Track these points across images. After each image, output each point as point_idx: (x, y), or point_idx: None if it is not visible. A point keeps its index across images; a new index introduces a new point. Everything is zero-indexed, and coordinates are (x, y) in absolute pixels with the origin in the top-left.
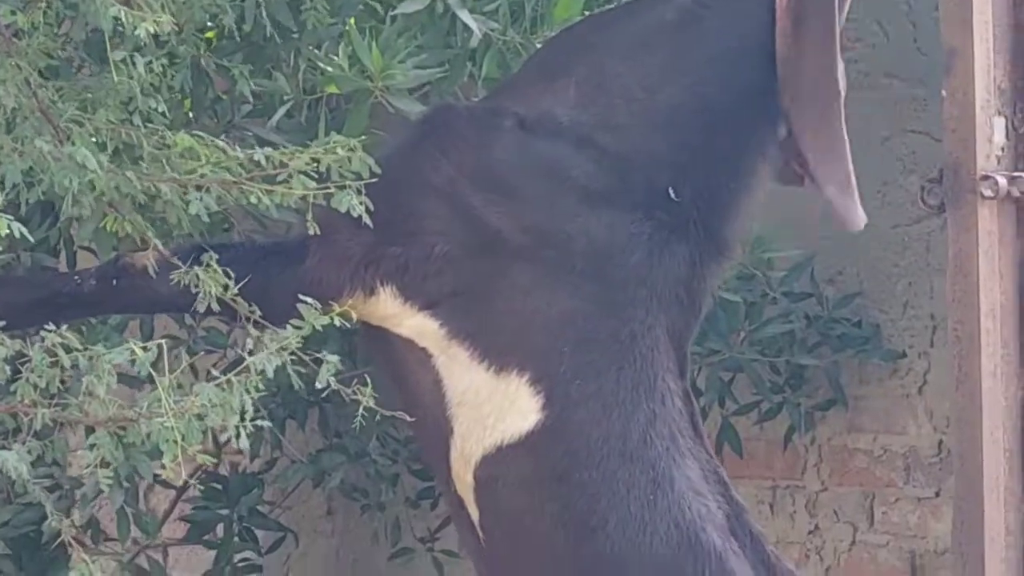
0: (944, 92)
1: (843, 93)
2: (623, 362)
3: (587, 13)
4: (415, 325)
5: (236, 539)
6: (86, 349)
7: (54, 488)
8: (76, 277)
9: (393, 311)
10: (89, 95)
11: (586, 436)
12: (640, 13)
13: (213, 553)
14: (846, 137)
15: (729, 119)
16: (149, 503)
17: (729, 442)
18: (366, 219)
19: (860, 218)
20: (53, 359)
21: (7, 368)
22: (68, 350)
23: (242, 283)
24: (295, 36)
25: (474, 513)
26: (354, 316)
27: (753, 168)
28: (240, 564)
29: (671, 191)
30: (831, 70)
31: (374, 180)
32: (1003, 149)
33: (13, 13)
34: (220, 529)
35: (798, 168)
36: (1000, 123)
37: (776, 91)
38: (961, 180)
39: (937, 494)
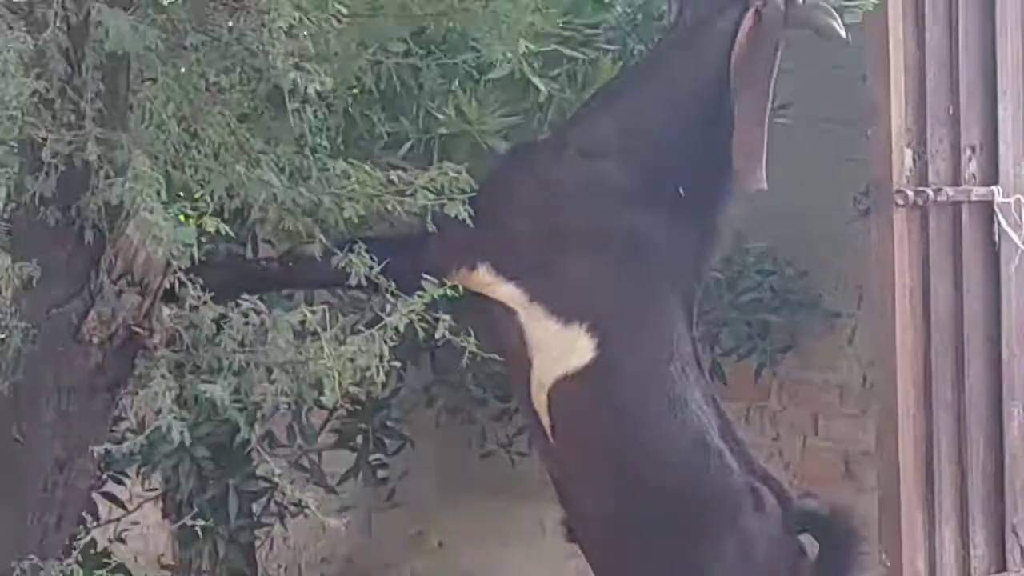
0: (870, 132)
1: (772, 101)
2: (651, 316)
3: None
4: (505, 291)
5: (371, 444)
6: (270, 312)
7: (243, 409)
8: (263, 262)
9: (488, 281)
10: (272, 133)
11: (625, 368)
12: (656, 78)
13: (354, 455)
14: (765, 130)
15: (716, 147)
16: (309, 420)
17: (717, 375)
18: (469, 221)
19: (758, 183)
20: (246, 319)
21: (214, 325)
22: (257, 312)
23: (382, 266)
24: (416, 93)
25: (546, 422)
26: (460, 287)
27: (726, 164)
28: (373, 463)
29: (680, 189)
30: (767, 85)
31: (477, 193)
32: (910, 171)
33: (217, 75)
34: (359, 438)
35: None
36: (908, 153)
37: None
38: (882, 193)
39: (863, 412)
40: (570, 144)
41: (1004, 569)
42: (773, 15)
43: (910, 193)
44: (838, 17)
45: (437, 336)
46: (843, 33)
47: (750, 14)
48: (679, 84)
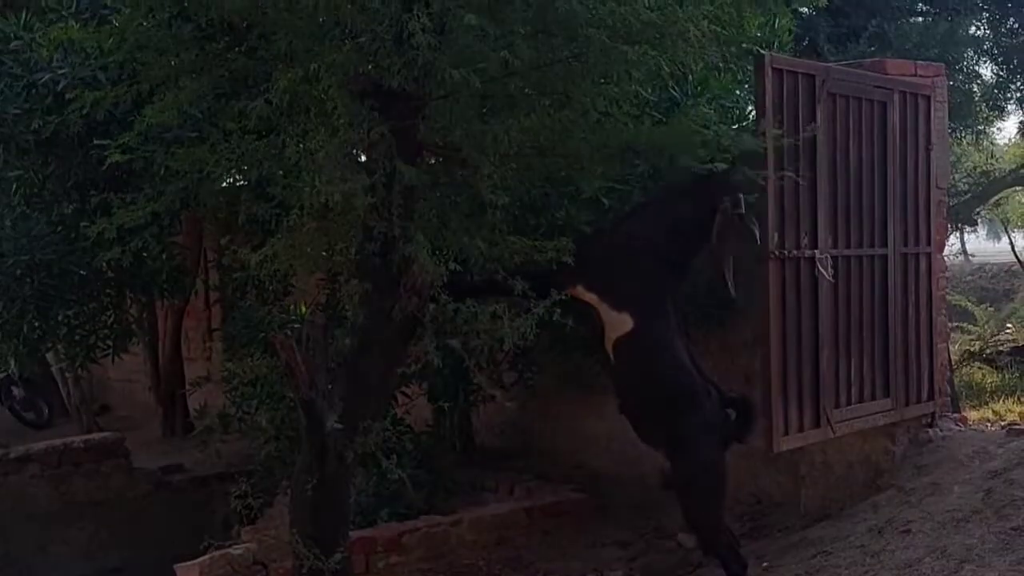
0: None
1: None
2: (660, 308)
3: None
4: (590, 297)
5: (525, 369)
6: (480, 306)
7: (467, 351)
8: (476, 283)
9: (582, 294)
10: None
11: (649, 334)
12: (667, 208)
13: (516, 374)
14: (730, 274)
15: (691, 242)
16: (496, 356)
17: (687, 336)
18: (572, 264)
19: (731, 291)
20: (468, 309)
21: (452, 311)
22: (473, 306)
23: (532, 284)
24: (546, 204)
25: (612, 358)
26: (568, 296)
27: (697, 255)
28: (526, 376)
29: (673, 260)
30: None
31: (577, 252)
32: (777, 243)
33: (453, 197)
34: (519, 365)
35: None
36: (776, 235)
37: (704, 237)
38: (765, 252)
39: (754, 356)
40: (622, 232)
41: (819, 427)
42: (727, 212)
43: (777, 252)
44: (756, 224)
45: (554, 318)
46: (757, 236)
47: (719, 214)
48: (678, 218)
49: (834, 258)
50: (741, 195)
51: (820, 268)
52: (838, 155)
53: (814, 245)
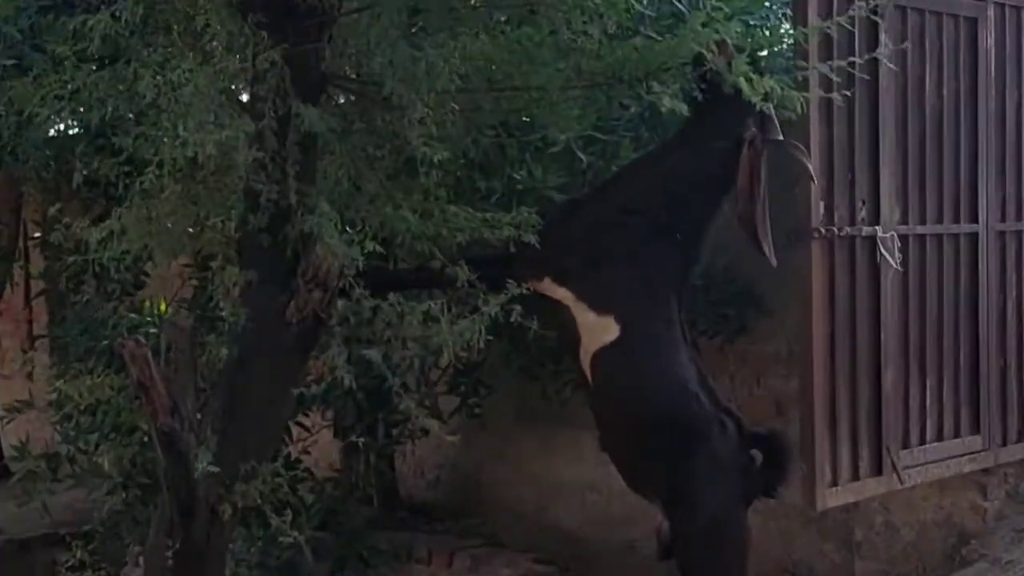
0: (797, 191)
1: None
2: (658, 307)
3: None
4: (561, 294)
5: (470, 392)
6: (407, 303)
7: (389, 366)
8: (403, 272)
9: (550, 288)
10: (409, 188)
11: (639, 343)
12: (667, 162)
13: (459, 399)
14: (767, 221)
15: (703, 207)
16: (431, 375)
17: (695, 349)
18: (537, 247)
19: (771, 258)
20: (391, 307)
21: (371, 312)
22: (399, 304)
23: (479, 274)
24: (502, 161)
25: (590, 376)
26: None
27: (711, 225)
28: (471, 403)
29: (677, 235)
30: (764, 192)
31: (543, 229)
32: (823, 217)
33: (373, 149)
34: (462, 387)
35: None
36: (821, 205)
37: (720, 195)
38: (804, 230)
39: (789, 374)
40: (608, 200)
41: (880, 474)
42: (757, 143)
43: (822, 230)
44: (807, 153)
45: (512, 320)
46: (812, 168)
47: (747, 148)
48: (682, 172)
49: (902, 237)
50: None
51: (883, 252)
52: (909, 93)
53: (875, 220)
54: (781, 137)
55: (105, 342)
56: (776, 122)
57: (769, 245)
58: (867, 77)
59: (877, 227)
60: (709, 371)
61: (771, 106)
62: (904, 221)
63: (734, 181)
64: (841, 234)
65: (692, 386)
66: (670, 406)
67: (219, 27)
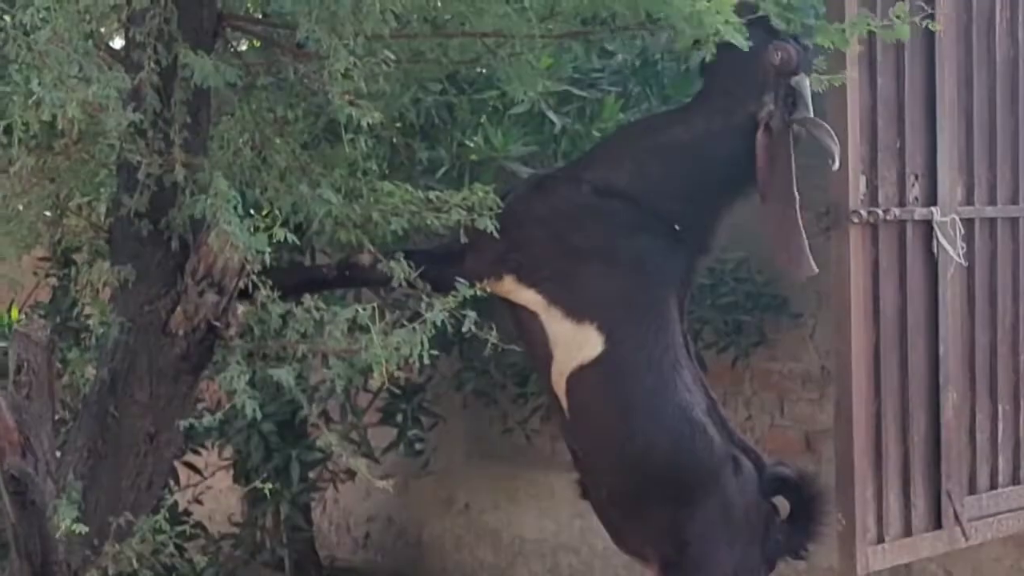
0: (830, 162)
1: (798, 199)
2: (651, 317)
3: (621, 114)
4: (528, 297)
5: (409, 422)
6: (328, 309)
7: (304, 391)
8: (323, 268)
9: (513, 288)
10: (330, 159)
11: (629, 358)
12: (667, 130)
13: (396, 431)
14: (801, 225)
15: (710, 192)
16: (358, 401)
17: (700, 365)
18: (496, 235)
19: (805, 271)
20: (308, 315)
21: (280, 320)
22: (317, 309)
23: (420, 271)
24: (451, 125)
25: (564, 403)
26: (488, 291)
27: (720, 213)
28: (411, 437)
29: (676, 226)
30: (791, 186)
31: (502, 213)
32: (864, 195)
33: (284, 110)
34: (400, 417)
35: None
36: (862, 179)
37: (733, 177)
38: (840, 213)
39: (821, 397)
40: (585, 181)
41: (939, 527)
42: (780, 127)
43: (863, 213)
44: (835, 138)
45: (464, 330)
46: (837, 157)
47: (761, 132)
48: (689, 146)
49: (966, 222)
50: (804, 80)
51: (942, 240)
52: (975, 37)
53: (931, 199)
54: (810, 112)
55: None
56: (807, 94)
57: (804, 251)
58: (920, 16)
59: (934, 208)
60: (719, 395)
61: (803, 75)
62: (969, 201)
63: (753, 160)
64: (888, 218)
65: (697, 414)
66: (669, 441)
67: None
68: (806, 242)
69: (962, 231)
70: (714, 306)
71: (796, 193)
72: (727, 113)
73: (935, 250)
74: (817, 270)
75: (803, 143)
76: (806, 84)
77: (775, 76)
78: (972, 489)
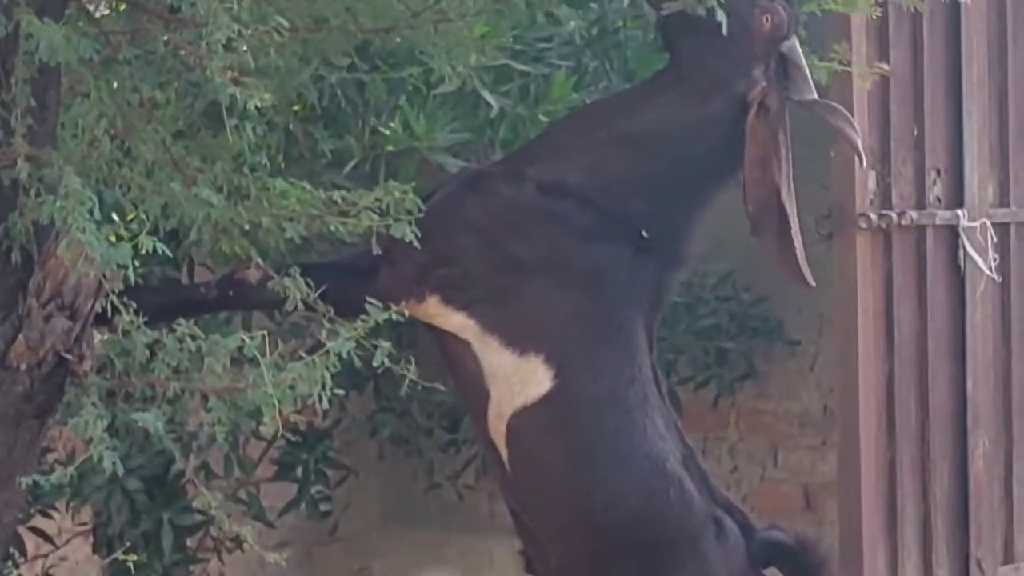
0: (832, 154)
1: (795, 209)
2: (613, 344)
3: (574, 94)
4: (457, 322)
5: (312, 476)
6: (207, 337)
7: (178, 440)
8: (201, 287)
9: (438, 312)
10: (209, 151)
11: (585, 396)
12: (630, 115)
13: (295, 487)
14: (798, 235)
15: (684, 190)
16: (247, 450)
17: (673, 404)
18: (416, 244)
19: (808, 280)
20: (181, 345)
21: (147, 351)
22: (193, 338)
23: (322, 290)
24: (361, 108)
25: (504, 453)
26: (407, 314)
27: (698, 215)
28: (315, 495)
29: (643, 232)
30: (787, 195)
31: (425, 217)
32: (874, 194)
33: (152, 89)
34: (300, 470)
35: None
36: (872, 175)
37: (714, 171)
38: (845, 216)
39: (823, 443)
40: (529, 178)
41: None
42: (778, 109)
43: (873, 216)
44: (855, 125)
45: (375, 363)
46: (862, 151)
47: (753, 114)
48: (654, 139)
49: (999, 227)
50: (796, 45)
51: (969, 250)
52: (1011, 7)
53: (956, 200)
54: (813, 93)
55: None
56: (806, 71)
57: (800, 260)
58: None
59: (960, 211)
60: (698, 441)
61: (794, 39)
62: (1003, 202)
63: (739, 151)
64: (903, 222)
65: (671, 466)
66: (637, 498)
67: None
68: (801, 249)
69: (994, 239)
70: (691, 331)
71: (791, 189)
72: (705, 91)
73: (961, 262)
74: (814, 283)
75: (795, 127)
76: (799, 50)
77: (765, 45)
78: (1008, 558)
